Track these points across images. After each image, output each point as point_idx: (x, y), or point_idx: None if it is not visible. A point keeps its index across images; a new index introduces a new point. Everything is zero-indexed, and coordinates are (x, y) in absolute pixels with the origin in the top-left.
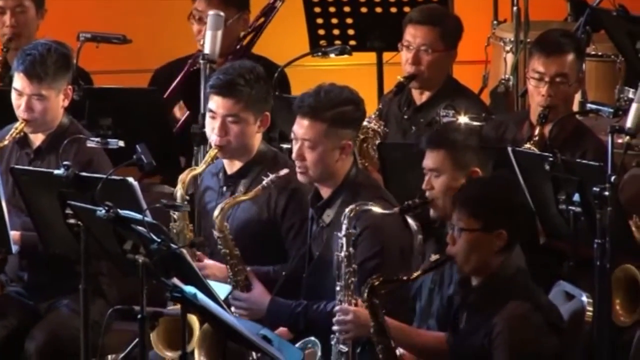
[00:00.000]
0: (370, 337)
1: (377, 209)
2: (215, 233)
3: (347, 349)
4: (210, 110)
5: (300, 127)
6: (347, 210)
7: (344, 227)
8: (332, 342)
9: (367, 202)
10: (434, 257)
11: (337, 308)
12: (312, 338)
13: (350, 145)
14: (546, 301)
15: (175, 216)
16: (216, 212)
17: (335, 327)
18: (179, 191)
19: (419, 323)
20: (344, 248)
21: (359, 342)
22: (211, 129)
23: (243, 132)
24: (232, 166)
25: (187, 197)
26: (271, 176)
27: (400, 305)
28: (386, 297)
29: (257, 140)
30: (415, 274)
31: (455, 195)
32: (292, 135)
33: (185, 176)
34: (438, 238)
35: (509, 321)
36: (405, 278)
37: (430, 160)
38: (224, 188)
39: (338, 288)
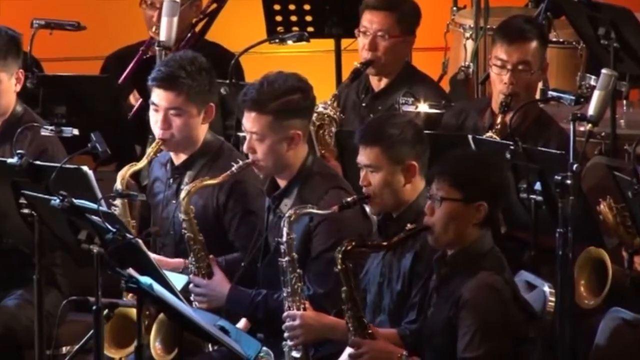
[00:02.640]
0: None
1: (316, 211)
2: (181, 216)
3: (299, 355)
4: (153, 103)
5: (247, 121)
6: (286, 215)
7: (284, 232)
8: (285, 350)
9: (305, 205)
10: (410, 226)
11: (285, 314)
12: (265, 348)
13: (300, 135)
14: (516, 284)
15: (116, 212)
16: (183, 194)
17: (285, 334)
18: (118, 186)
19: (370, 317)
20: (287, 254)
21: (311, 347)
22: (154, 122)
23: (186, 125)
24: (178, 158)
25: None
26: (240, 162)
27: None
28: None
29: (202, 132)
30: (393, 241)
31: (434, 166)
32: (242, 128)
33: (125, 172)
34: (382, 231)
35: (477, 289)
36: (383, 244)
37: (365, 156)
38: (171, 180)
39: (285, 294)
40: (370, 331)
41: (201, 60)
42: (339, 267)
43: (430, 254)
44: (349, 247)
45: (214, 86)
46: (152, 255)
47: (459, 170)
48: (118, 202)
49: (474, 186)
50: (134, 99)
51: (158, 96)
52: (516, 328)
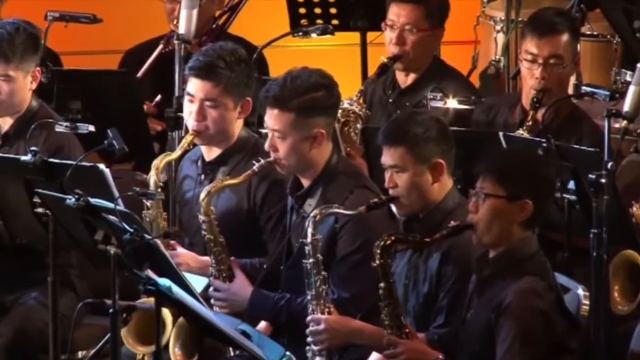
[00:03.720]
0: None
1: (342, 212)
2: (201, 217)
3: None
4: (188, 93)
5: (269, 118)
6: (311, 215)
7: (309, 233)
8: (308, 355)
9: (331, 205)
10: (453, 223)
11: (309, 318)
12: (287, 353)
13: (323, 134)
14: (560, 290)
15: (148, 204)
16: (202, 195)
17: (309, 339)
18: (152, 178)
19: None
20: (311, 255)
21: (335, 351)
22: (188, 113)
23: (222, 118)
24: (211, 153)
25: (162, 184)
26: (262, 161)
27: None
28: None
29: (237, 127)
30: (435, 237)
31: (478, 163)
32: (264, 125)
33: (159, 162)
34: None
35: (520, 295)
36: (424, 239)
37: (389, 157)
38: (202, 176)
39: (309, 297)
40: (407, 330)
41: (241, 52)
42: (377, 261)
43: (459, 255)
44: (388, 242)
45: (252, 80)
46: (182, 250)
47: (504, 166)
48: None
49: (518, 183)
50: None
51: (194, 86)
52: (558, 337)
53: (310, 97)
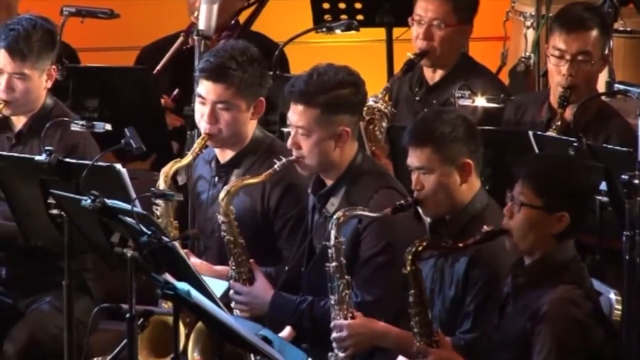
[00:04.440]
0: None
1: (367, 214)
2: (220, 217)
3: None
4: (200, 96)
5: (293, 114)
6: (335, 217)
7: (332, 236)
8: None
9: (355, 207)
10: (487, 228)
11: (332, 324)
12: (309, 359)
13: (348, 132)
14: (598, 298)
15: (158, 212)
16: (222, 194)
17: (334, 345)
18: (161, 185)
19: None
20: (334, 259)
21: (360, 356)
22: (200, 116)
23: (235, 120)
24: (225, 155)
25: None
26: (284, 160)
27: (401, 309)
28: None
29: (251, 127)
30: (468, 242)
31: (518, 165)
32: (287, 122)
33: (168, 169)
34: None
35: (556, 304)
36: (458, 244)
37: (416, 158)
38: (216, 178)
39: (332, 302)
40: (437, 338)
41: (253, 51)
42: (409, 268)
43: (488, 259)
44: (420, 248)
45: (265, 79)
46: (196, 261)
47: (544, 176)
48: (160, 200)
49: (557, 195)
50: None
51: (205, 88)
52: (595, 347)
53: (336, 93)
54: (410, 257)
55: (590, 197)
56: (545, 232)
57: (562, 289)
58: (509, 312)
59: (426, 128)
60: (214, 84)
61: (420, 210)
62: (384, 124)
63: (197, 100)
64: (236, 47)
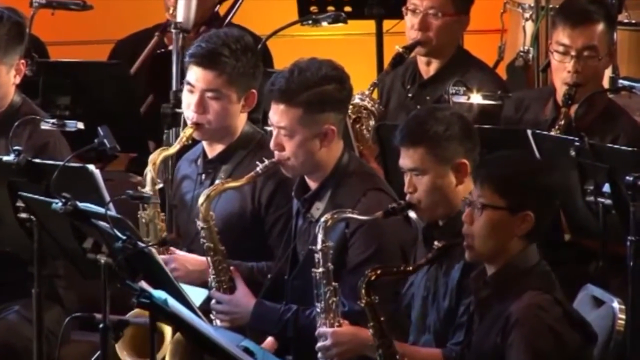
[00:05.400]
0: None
1: (357, 216)
2: (199, 223)
3: None
4: (189, 83)
5: (274, 114)
6: (322, 220)
7: (319, 240)
8: None
9: (344, 209)
10: (437, 243)
11: (317, 332)
12: None
13: (334, 130)
14: (568, 302)
15: (146, 211)
16: (201, 199)
17: (319, 355)
18: (149, 173)
19: (414, 337)
20: (321, 264)
21: None
22: (187, 105)
23: (224, 111)
24: (213, 150)
25: (159, 182)
26: (266, 162)
27: (392, 318)
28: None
29: (240, 121)
30: (419, 263)
31: (477, 168)
32: (269, 122)
33: (156, 156)
34: (427, 242)
35: (525, 310)
36: (408, 269)
37: (409, 159)
38: (203, 176)
39: (318, 310)
40: None
41: (248, 40)
42: (364, 300)
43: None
44: (373, 277)
45: (258, 71)
46: (182, 253)
47: (505, 174)
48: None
49: (520, 194)
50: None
51: (195, 75)
52: (573, 353)
53: (320, 90)
54: (364, 288)
55: (554, 196)
56: (509, 234)
57: (529, 296)
58: (478, 330)
59: (419, 127)
60: (204, 71)
61: (413, 214)
62: (372, 123)
63: (186, 88)
64: (230, 34)
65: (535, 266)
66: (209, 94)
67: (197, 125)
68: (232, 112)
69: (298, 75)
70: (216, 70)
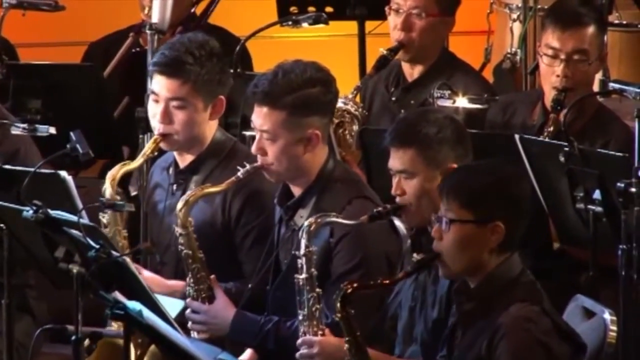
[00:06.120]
0: None
1: (341, 221)
2: (178, 230)
3: None
4: (153, 92)
5: (257, 117)
6: (305, 224)
7: (302, 245)
8: None
9: (329, 213)
10: (418, 257)
11: (300, 340)
12: None
13: (319, 135)
14: (556, 313)
15: (105, 220)
16: (180, 205)
17: None
18: (107, 190)
19: (401, 348)
20: (305, 270)
21: None
22: (153, 115)
23: (190, 120)
24: (184, 159)
25: (118, 197)
26: (248, 166)
27: (377, 329)
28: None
29: (210, 129)
30: (397, 277)
31: (441, 182)
32: (252, 126)
33: (116, 172)
34: (415, 248)
35: (513, 323)
36: (385, 282)
37: (398, 160)
38: (174, 186)
39: (300, 317)
40: None
41: (213, 45)
42: (339, 314)
43: None
44: (349, 291)
45: (225, 76)
46: (148, 275)
47: (469, 186)
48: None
49: (487, 204)
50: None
51: (159, 84)
52: None
53: (304, 93)
54: (339, 301)
55: (524, 204)
56: (480, 247)
57: (516, 308)
58: (460, 345)
59: (410, 128)
60: (168, 80)
61: (399, 222)
62: (355, 128)
63: (151, 97)
64: (194, 39)
65: (519, 276)
66: (173, 103)
67: (164, 137)
68: (199, 120)
69: (282, 77)
70: (180, 79)
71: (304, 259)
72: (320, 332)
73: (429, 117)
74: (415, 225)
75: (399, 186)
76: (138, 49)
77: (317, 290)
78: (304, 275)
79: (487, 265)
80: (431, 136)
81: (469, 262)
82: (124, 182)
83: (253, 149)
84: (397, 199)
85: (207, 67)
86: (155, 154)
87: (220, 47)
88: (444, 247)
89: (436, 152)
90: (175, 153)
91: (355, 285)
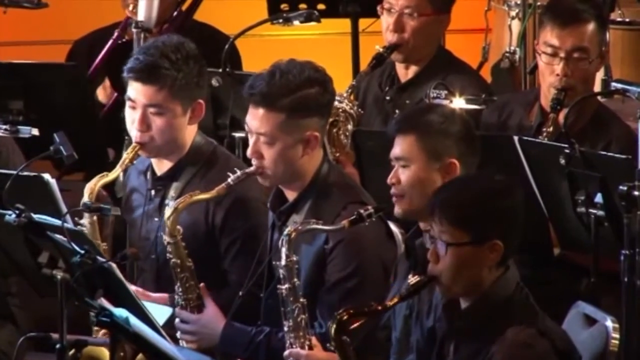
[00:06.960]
0: None
1: (321, 227)
2: (166, 238)
3: None
4: (129, 99)
5: (254, 119)
6: (285, 233)
7: (283, 254)
8: None
9: (309, 220)
10: (413, 280)
11: (286, 353)
12: None
13: (317, 137)
14: (553, 326)
15: (85, 228)
16: (168, 212)
17: None
18: (86, 202)
19: (397, 357)
20: (287, 280)
21: None
22: (131, 122)
23: (169, 126)
24: (162, 166)
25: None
26: (239, 172)
27: (367, 339)
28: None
29: (189, 134)
30: (392, 302)
31: (431, 200)
32: (246, 128)
33: (94, 184)
34: (410, 254)
35: (510, 350)
36: (379, 308)
37: (398, 147)
38: (152, 192)
39: (286, 328)
40: None
41: (189, 47)
42: (334, 342)
43: None
44: (344, 317)
45: (203, 79)
46: (130, 288)
47: (462, 205)
48: (86, 220)
49: (482, 224)
50: (104, 95)
51: (135, 90)
52: None
53: (302, 94)
54: (334, 328)
55: (518, 217)
56: (479, 267)
57: (512, 334)
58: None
59: (414, 114)
60: (144, 86)
61: (393, 227)
62: (350, 127)
63: (128, 104)
64: (169, 43)
65: (514, 293)
66: (151, 110)
67: (142, 145)
68: (177, 126)
69: (280, 78)
70: (157, 85)
71: (285, 269)
72: (307, 343)
73: (437, 109)
74: (404, 216)
75: (396, 174)
76: (124, 40)
77: (302, 300)
78: (286, 286)
79: (484, 283)
80: (433, 124)
81: (468, 282)
82: (111, 184)
83: (249, 152)
84: (392, 189)
85: (184, 71)
86: (134, 163)
87: (198, 48)
88: (441, 270)
89: (436, 141)
90: (152, 159)
91: (350, 312)
